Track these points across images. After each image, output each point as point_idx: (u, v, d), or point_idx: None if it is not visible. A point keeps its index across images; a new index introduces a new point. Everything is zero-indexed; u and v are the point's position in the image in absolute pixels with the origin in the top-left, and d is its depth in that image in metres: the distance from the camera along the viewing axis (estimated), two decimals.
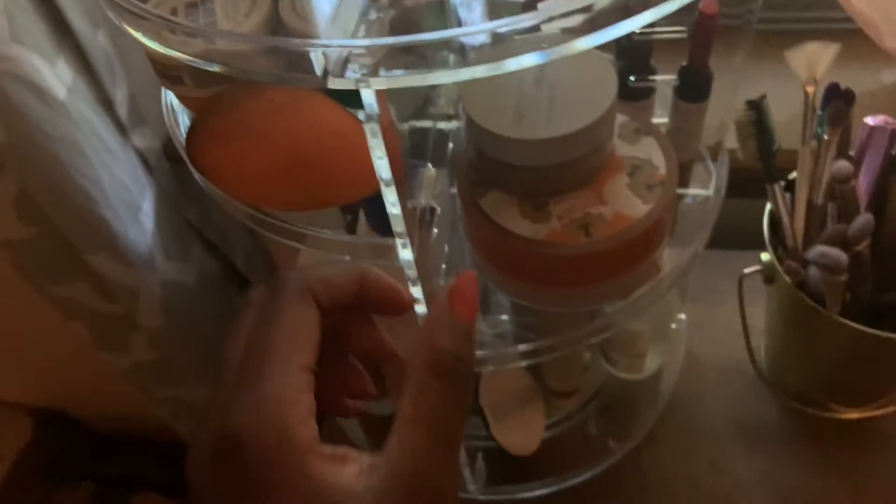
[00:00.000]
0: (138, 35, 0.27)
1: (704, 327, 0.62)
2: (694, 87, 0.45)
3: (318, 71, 0.22)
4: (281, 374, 0.24)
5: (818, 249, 0.41)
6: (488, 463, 0.57)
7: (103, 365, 0.85)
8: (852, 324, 0.44)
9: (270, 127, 0.31)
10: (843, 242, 0.42)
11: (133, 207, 0.62)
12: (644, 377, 0.58)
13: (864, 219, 0.41)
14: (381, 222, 0.40)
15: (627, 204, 0.37)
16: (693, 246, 0.43)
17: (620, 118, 0.41)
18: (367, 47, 0.22)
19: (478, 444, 0.58)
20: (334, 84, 0.22)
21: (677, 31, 0.43)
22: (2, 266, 0.71)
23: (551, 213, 0.38)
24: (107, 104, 0.58)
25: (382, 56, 0.21)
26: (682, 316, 0.62)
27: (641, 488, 0.56)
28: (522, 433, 0.56)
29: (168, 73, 0.35)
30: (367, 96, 0.23)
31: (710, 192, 0.47)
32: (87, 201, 0.56)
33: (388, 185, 0.26)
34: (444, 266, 0.40)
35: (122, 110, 0.60)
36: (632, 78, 0.44)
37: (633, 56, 0.44)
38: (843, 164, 0.44)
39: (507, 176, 0.37)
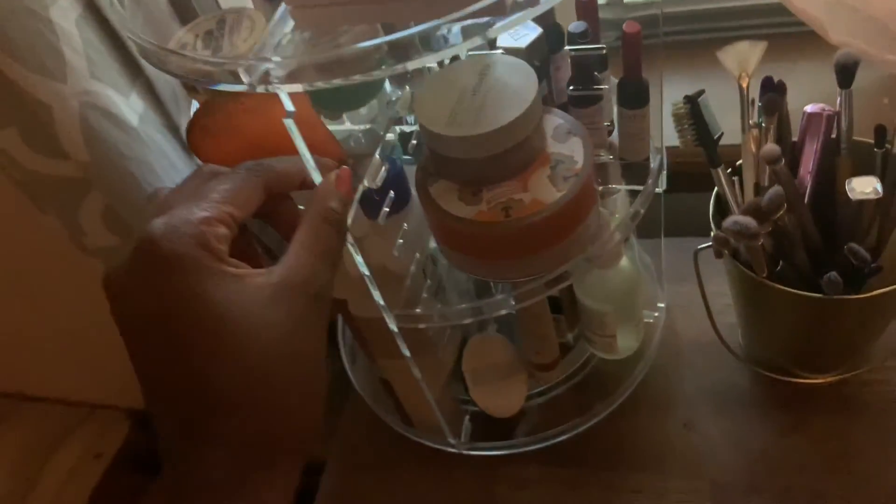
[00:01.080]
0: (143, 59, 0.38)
1: (686, 306, 0.68)
2: (630, 96, 0.52)
3: (247, 81, 0.32)
4: (211, 209, 0.29)
5: (731, 218, 0.47)
6: (475, 422, 0.65)
7: None
8: (780, 286, 0.50)
9: (243, 124, 0.42)
10: (762, 214, 0.47)
11: None
12: (620, 358, 0.65)
13: (774, 191, 0.47)
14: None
15: (544, 192, 0.44)
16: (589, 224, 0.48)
17: (556, 121, 0.48)
18: (278, 63, 0.32)
19: (465, 407, 0.66)
20: (259, 90, 0.32)
21: (601, 48, 0.51)
22: (97, 275, 0.84)
23: (482, 198, 0.45)
24: (173, 129, 0.70)
25: (293, 69, 0.31)
26: (662, 304, 0.69)
27: (619, 448, 0.62)
28: (501, 398, 0.63)
29: (186, 84, 0.47)
30: (285, 99, 0.33)
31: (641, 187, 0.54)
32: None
33: (312, 168, 0.36)
34: (400, 241, 0.50)
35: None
36: (570, 88, 0.52)
37: (578, 70, 0.52)
38: (771, 147, 0.50)
39: (449, 167, 0.45)
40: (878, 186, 0.49)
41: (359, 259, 0.43)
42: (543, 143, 0.47)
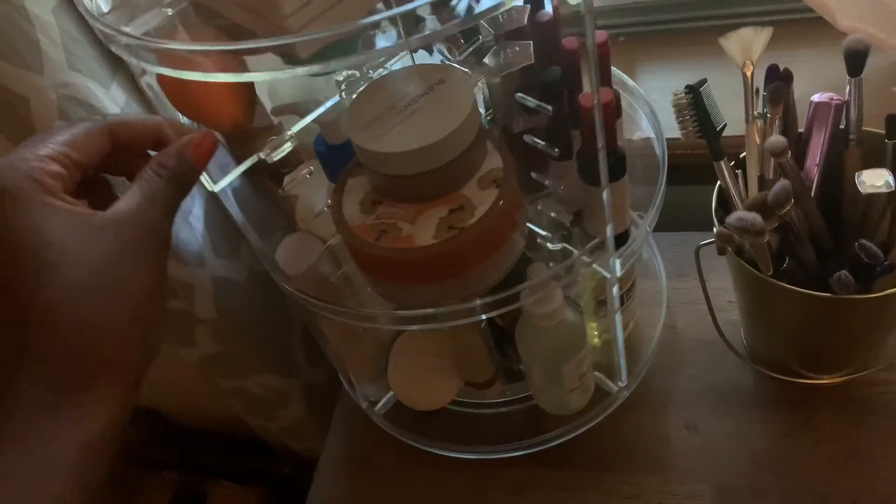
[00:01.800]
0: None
1: (687, 303, 0.66)
2: (591, 170, 0.45)
3: None
4: (46, 150, 0.32)
5: (735, 214, 0.45)
6: (473, 424, 0.63)
7: (181, 363, 0.96)
8: (787, 285, 0.48)
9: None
10: (767, 210, 0.45)
11: (183, 211, 0.72)
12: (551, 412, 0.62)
13: (780, 185, 0.45)
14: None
15: (423, 233, 0.42)
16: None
17: (493, 165, 0.45)
18: None
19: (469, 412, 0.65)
20: None
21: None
22: None
23: (374, 212, 0.45)
24: None
25: None
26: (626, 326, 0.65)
27: (618, 449, 0.60)
28: (419, 391, 0.64)
29: None
30: None
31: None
32: None
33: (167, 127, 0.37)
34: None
35: None
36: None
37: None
38: (777, 139, 0.47)
39: (365, 166, 0.45)
40: (891, 179, 0.46)
41: None
42: (457, 182, 0.44)
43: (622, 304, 0.59)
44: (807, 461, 0.56)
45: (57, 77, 0.57)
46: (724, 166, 0.52)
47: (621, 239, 0.51)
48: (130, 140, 0.36)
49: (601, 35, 0.45)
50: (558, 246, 0.53)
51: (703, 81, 0.50)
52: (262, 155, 0.48)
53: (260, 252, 0.56)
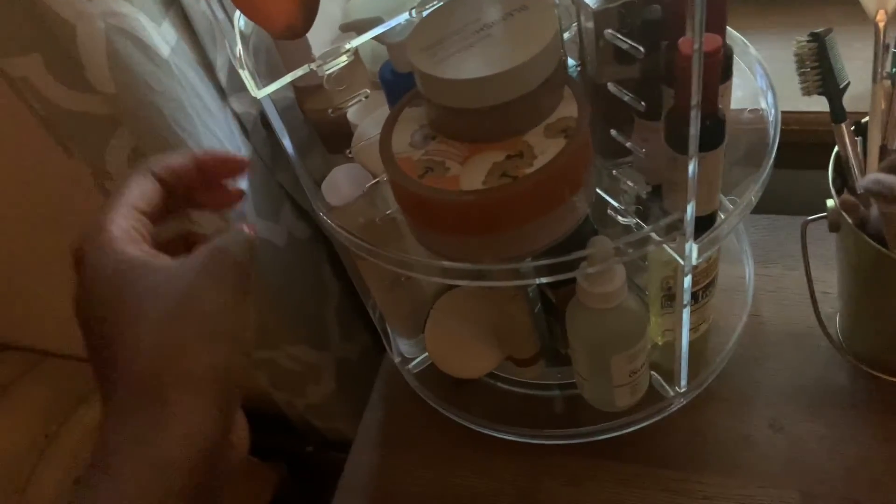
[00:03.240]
0: None
1: (775, 291, 0.60)
2: (679, 134, 0.39)
3: None
4: (111, 209, 0.35)
5: (871, 176, 0.39)
6: (512, 403, 0.58)
7: None
8: None
9: None
10: None
11: None
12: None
13: None
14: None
15: (472, 176, 0.38)
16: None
17: (566, 113, 0.40)
18: None
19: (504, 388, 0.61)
20: None
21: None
22: None
23: (424, 147, 0.40)
24: (207, 67, 0.64)
25: None
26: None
27: (690, 446, 0.54)
28: (455, 356, 0.59)
29: None
30: None
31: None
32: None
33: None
34: None
35: (222, 75, 0.66)
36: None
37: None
38: None
39: (424, 97, 0.41)
40: None
41: None
42: (521, 126, 0.39)
43: (696, 300, 0.53)
44: None
45: (106, 4, 0.53)
46: (844, 129, 0.46)
47: (705, 222, 0.45)
48: (175, 180, 0.38)
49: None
50: (631, 221, 0.48)
51: (829, 30, 0.45)
52: (313, 66, 0.44)
53: (300, 173, 0.52)
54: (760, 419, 0.55)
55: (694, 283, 0.51)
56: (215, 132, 0.65)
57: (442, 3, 0.44)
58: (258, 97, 0.45)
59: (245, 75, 0.44)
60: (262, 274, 0.76)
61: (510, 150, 0.38)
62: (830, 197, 0.47)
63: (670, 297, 0.52)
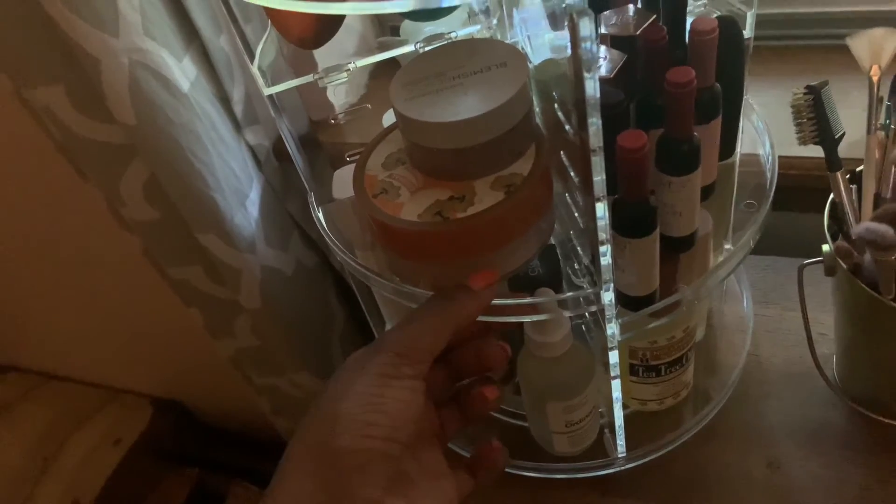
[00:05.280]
0: None
1: (773, 331, 0.61)
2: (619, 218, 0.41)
3: None
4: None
5: (864, 224, 0.41)
6: (524, 440, 0.59)
7: (213, 355, 0.94)
8: None
9: None
10: None
11: (240, 194, 0.69)
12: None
13: None
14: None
15: (412, 207, 0.40)
16: None
17: (519, 170, 0.40)
18: None
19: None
20: None
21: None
22: (134, 255, 0.81)
23: (391, 170, 0.42)
24: (224, 101, 0.66)
25: None
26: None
27: (690, 483, 0.55)
28: None
29: None
30: None
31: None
32: (200, 183, 0.64)
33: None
34: None
35: (238, 108, 0.68)
36: None
37: None
38: None
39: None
40: None
41: None
42: (473, 172, 0.40)
43: (659, 374, 0.53)
44: None
45: (131, 41, 0.55)
46: (840, 178, 0.48)
47: (646, 300, 0.45)
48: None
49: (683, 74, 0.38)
50: (581, 282, 0.49)
51: (825, 83, 0.46)
52: (314, 76, 0.46)
53: (302, 170, 0.53)
54: (759, 458, 0.55)
55: (665, 354, 0.51)
56: (229, 162, 0.67)
57: (441, 45, 0.46)
58: (266, 93, 0.47)
59: (255, 73, 0.46)
60: (271, 300, 0.77)
61: (456, 192, 0.40)
62: (827, 242, 0.48)
63: (635, 367, 0.52)
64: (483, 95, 0.38)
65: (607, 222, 0.38)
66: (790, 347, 0.56)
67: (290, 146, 0.51)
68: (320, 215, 0.52)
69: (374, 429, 0.34)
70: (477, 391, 0.41)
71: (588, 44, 0.31)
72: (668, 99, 0.38)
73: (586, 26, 0.30)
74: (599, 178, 0.35)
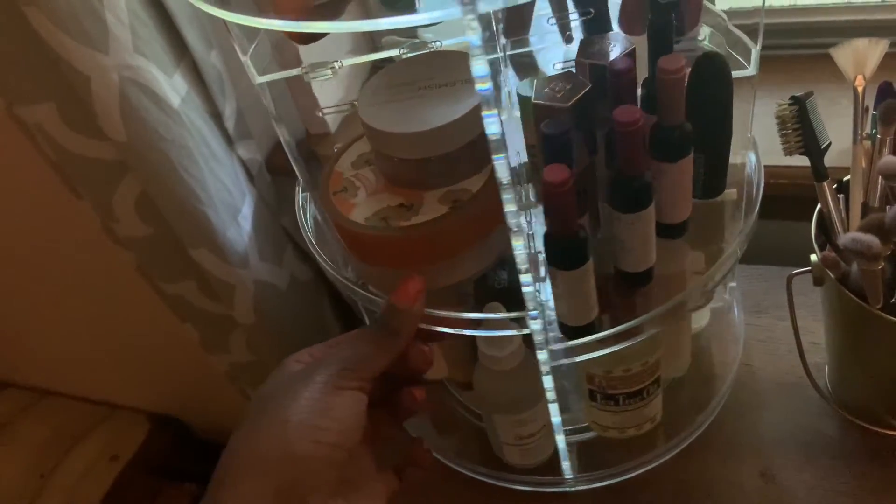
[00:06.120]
0: None
1: (765, 340, 0.61)
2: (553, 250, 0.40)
3: None
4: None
5: (849, 235, 0.41)
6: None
7: (209, 371, 0.93)
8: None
9: None
10: (884, 232, 0.41)
11: (233, 209, 0.69)
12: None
13: None
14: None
15: (362, 210, 0.41)
16: None
17: (470, 187, 0.41)
18: None
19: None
20: None
21: None
22: (129, 271, 0.81)
23: (358, 169, 0.43)
24: (216, 116, 0.67)
25: None
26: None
27: (682, 495, 0.55)
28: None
29: None
30: None
31: None
32: (192, 199, 0.64)
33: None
34: None
35: (230, 123, 0.68)
36: None
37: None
38: (890, 159, 0.43)
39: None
40: None
41: None
42: (425, 183, 0.41)
43: (617, 402, 0.51)
44: None
45: (121, 58, 0.55)
46: (826, 188, 0.48)
47: (585, 329, 0.43)
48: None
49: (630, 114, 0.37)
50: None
51: (810, 94, 0.47)
52: (300, 70, 0.46)
53: (297, 169, 0.53)
54: (752, 468, 0.55)
55: (622, 385, 0.50)
56: (221, 177, 0.67)
57: (420, 54, 0.45)
58: (256, 83, 0.47)
59: (247, 62, 0.46)
60: (265, 315, 0.77)
61: (406, 200, 0.41)
62: (815, 252, 0.48)
63: (593, 392, 0.52)
64: (443, 108, 0.38)
65: (526, 252, 0.37)
66: (783, 357, 0.55)
67: (287, 147, 0.51)
68: (308, 229, 0.53)
69: (325, 434, 0.35)
70: (406, 390, 0.42)
71: (483, 85, 0.30)
72: (616, 137, 0.38)
73: (479, 66, 0.29)
74: (512, 209, 0.35)
